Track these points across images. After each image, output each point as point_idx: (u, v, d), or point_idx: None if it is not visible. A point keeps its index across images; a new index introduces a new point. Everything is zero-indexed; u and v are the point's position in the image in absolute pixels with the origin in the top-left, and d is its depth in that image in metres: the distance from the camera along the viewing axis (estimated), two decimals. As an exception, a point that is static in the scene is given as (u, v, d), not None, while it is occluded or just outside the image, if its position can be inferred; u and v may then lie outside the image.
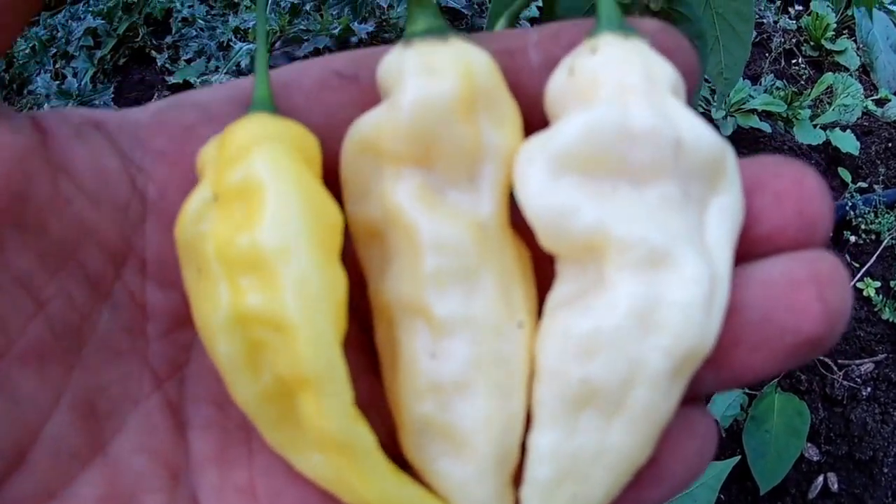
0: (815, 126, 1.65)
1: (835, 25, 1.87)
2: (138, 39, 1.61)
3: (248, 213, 0.21)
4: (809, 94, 1.71)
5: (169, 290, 0.24)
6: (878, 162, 1.64)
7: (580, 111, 0.22)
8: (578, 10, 0.45)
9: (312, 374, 0.20)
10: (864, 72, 1.86)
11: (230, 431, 0.24)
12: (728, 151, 0.23)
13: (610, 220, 0.22)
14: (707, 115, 1.59)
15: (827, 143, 1.62)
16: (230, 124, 0.23)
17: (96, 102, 1.44)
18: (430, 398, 0.23)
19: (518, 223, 0.24)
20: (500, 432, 0.23)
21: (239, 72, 1.47)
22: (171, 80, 1.52)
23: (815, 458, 1.23)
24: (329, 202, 0.22)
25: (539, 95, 0.24)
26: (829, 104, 1.71)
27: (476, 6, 1.58)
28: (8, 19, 0.21)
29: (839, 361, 1.32)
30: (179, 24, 1.60)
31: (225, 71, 1.47)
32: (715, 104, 1.57)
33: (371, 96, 0.25)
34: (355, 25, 1.50)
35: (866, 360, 1.33)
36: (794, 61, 1.85)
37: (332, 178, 0.24)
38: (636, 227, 0.21)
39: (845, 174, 1.59)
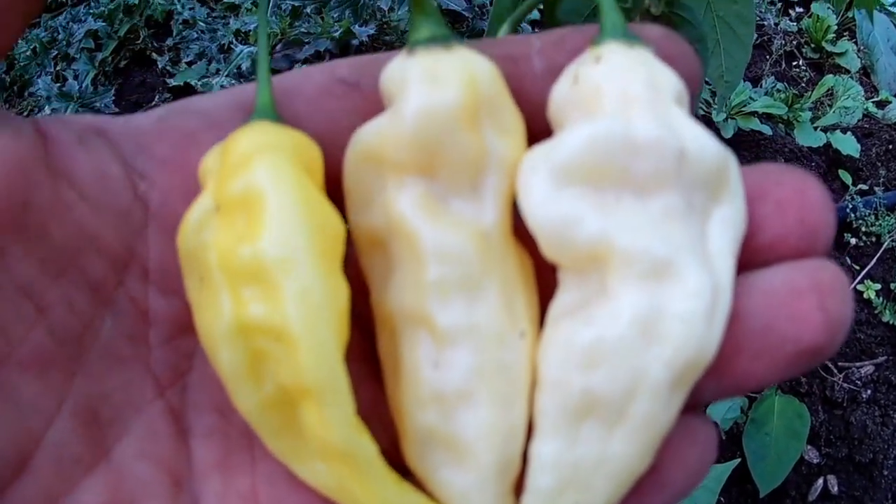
0: (815, 128, 1.65)
1: (835, 27, 1.87)
2: (139, 42, 1.61)
3: (250, 224, 0.21)
4: (810, 97, 1.71)
5: (171, 296, 0.24)
6: (879, 164, 1.64)
7: (584, 122, 0.22)
8: (579, 14, 0.45)
9: (314, 384, 0.20)
10: (865, 74, 1.86)
11: (233, 439, 0.25)
12: (731, 161, 0.23)
13: (613, 230, 0.22)
14: (707, 118, 1.59)
15: (827, 145, 1.62)
16: (232, 132, 0.23)
17: (97, 105, 1.44)
18: (432, 408, 0.23)
19: (520, 231, 0.24)
20: (502, 441, 0.23)
21: (240, 74, 1.47)
22: (172, 82, 1.52)
23: (815, 461, 1.22)
24: (331, 212, 0.22)
25: (542, 102, 0.24)
26: (830, 106, 1.71)
27: (477, 9, 1.57)
28: (9, 19, 0.21)
29: (839, 364, 1.32)
30: (180, 27, 1.60)
31: (226, 73, 1.47)
32: (715, 107, 1.57)
33: (374, 103, 0.24)
34: (356, 28, 1.49)
35: (866, 363, 1.33)
36: (794, 63, 1.85)
37: (334, 186, 0.24)
38: (639, 238, 0.22)
39: (846, 176, 1.59)
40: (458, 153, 0.23)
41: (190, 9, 1.61)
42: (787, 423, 1.20)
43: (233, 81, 1.45)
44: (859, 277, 1.43)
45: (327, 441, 0.21)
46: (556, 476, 0.22)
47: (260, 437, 0.23)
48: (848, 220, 1.50)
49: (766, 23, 1.88)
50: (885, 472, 1.21)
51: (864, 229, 1.49)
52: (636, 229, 0.22)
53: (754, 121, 1.60)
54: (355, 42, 1.53)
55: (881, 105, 1.77)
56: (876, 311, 1.39)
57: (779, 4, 1.95)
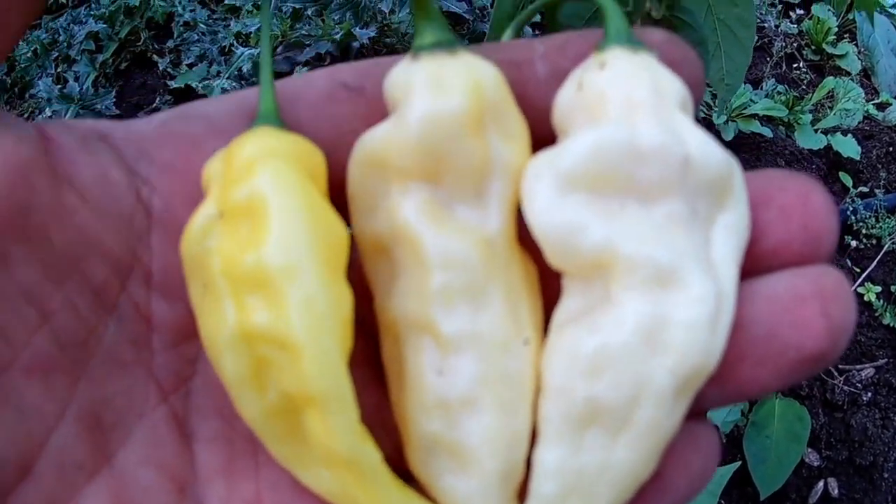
0: (816, 131, 1.65)
1: (836, 29, 1.87)
2: (140, 43, 1.61)
3: (254, 231, 0.21)
4: (811, 99, 1.71)
5: (174, 302, 0.24)
6: (880, 166, 1.64)
7: (588, 128, 0.22)
8: (581, 18, 0.45)
9: (319, 392, 0.20)
10: (866, 76, 1.86)
11: (236, 444, 0.25)
12: (735, 168, 0.23)
13: (618, 238, 0.22)
14: (708, 120, 1.59)
15: (828, 147, 1.62)
16: (235, 138, 0.23)
17: (98, 107, 1.44)
18: (437, 415, 0.23)
19: (524, 238, 0.24)
20: (506, 448, 0.23)
21: (241, 77, 1.47)
22: (173, 84, 1.52)
23: (815, 464, 1.22)
24: (334, 220, 0.22)
25: (545, 107, 0.24)
26: (831, 108, 1.71)
27: (478, 11, 1.57)
28: (10, 19, 0.21)
29: (840, 366, 1.32)
30: (181, 29, 1.60)
31: (227, 76, 1.46)
32: (716, 109, 1.57)
33: (377, 109, 0.24)
34: (357, 31, 1.49)
35: (867, 366, 1.33)
36: (795, 65, 1.85)
37: (337, 191, 0.24)
38: (644, 245, 0.22)
39: (846, 179, 1.59)
40: (463, 160, 0.23)
41: (191, 11, 1.61)
42: (787, 426, 1.20)
43: (234, 84, 1.45)
44: (860, 280, 1.43)
45: (331, 448, 0.21)
46: (560, 483, 0.22)
47: (263, 444, 0.23)
48: (848, 222, 1.50)
49: (766, 25, 1.88)
50: (886, 475, 1.21)
51: (864, 232, 1.49)
52: (640, 237, 0.22)
53: (755, 123, 1.60)
54: (356, 44, 1.53)
55: (882, 107, 1.77)
56: (876, 314, 1.39)
57: (779, 6, 1.95)
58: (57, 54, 1.57)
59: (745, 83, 1.67)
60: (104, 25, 1.57)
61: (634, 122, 0.22)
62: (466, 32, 1.55)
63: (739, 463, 1.13)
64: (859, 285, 1.42)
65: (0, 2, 0.21)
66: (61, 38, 1.57)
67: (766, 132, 1.60)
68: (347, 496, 0.22)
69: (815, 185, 0.24)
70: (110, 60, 1.58)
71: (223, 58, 1.53)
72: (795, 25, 1.92)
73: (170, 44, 1.60)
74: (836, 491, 1.20)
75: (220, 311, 0.22)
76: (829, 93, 1.73)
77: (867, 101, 1.75)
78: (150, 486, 0.23)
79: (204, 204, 0.23)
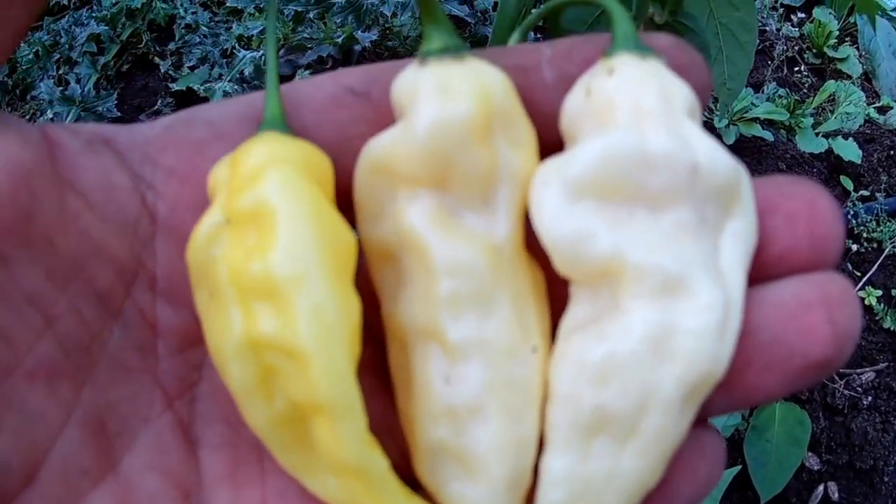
0: (817, 134, 1.65)
1: (837, 33, 1.87)
2: (141, 46, 1.61)
3: (261, 239, 0.21)
4: (812, 103, 1.71)
5: (179, 308, 0.24)
6: (881, 170, 1.64)
7: (597, 135, 0.22)
8: (583, 22, 0.45)
9: (327, 401, 0.20)
10: (867, 79, 1.86)
11: (242, 451, 0.24)
12: (743, 174, 0.23)
13: (626, 246, 0.22)
14: (709, 124, 1.59)
15: (829, 151, 1.62)
16: (240, 143, 0.23)
17: (99, 109, 1.44)
18: (444, 422, 0.23)
19: (531, 244, 0.24)
20: (513, 455, 0.23)
21: (242, 80, 1.47)
22: (175, 87, 1.52)
23: (815, 468, 1.22)
24: (342, 227, 0.22)
25: (552, 113, 0.24)
26: (832, 112, 1.71)
27: (480, 14, 1.58)
28: (13, 13, 0.21)
29: (840, 370, 1.32)
30: (183, 31, 1.60)
31: (228, 79, 1.46)
32: (717, 113, 1.57)
33: (384, 113, 0.24)
34: (359, 34, 1.49)
35: (867, 369, 1.33)
36: (796, 69, 1.85)
37: (343, 196, 0.24)
38: (652, 253, 0.22)
39: (847, 182, 1.59)
40: (471, 167, 0.23)
41: (193, 13, 1.61)
42: (787, 430, 1.20)
43: (235, 87, 1.45)
44: (860, 284, 1.43)
45: (339, 456, 0.21)
46: (567, 490, 0.22)
47: (270, 452, 0.23)
48: (849, 226, 1.50)
49: (767, 28, 1.88)
50: (886, 479, 1.21)
51: (865, 235, 1.49)
52: (649, 244, 0.22)
53: (756, 127, 1.61)
54: (358, 48, 1.53)
55: (883, 111, 1.77)
56: (877, 318, 1.39)
57: (780, 10, 1.95)
58: (58, 56, 1.57)
59: (746, 87, 1.67)
60: (106, 27, 1.57)
61: (643, 130, 0.22)
62: (468, 36, 1.55)
63: (740, 467, 1.13)
64: (860, 289, 1.42)
65: None
66: (63, 40, 1.57)
67: (768, 136, 1.60)
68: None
69: (821, 192, 0.24)
70: (112, 62, 1.58)
71: (225, 60, 1.53)
72: (797, 29, 1.92)
73: (171, 46, 1.60)
74: (837, 495, 1.20)
75: (226, 319, 0.22)
76: (830, 96, 1.73)
77: (868, 104, 1.75)
78: (155, 492, 0.23)
79: (210, 210, 0.23)
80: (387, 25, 1.55)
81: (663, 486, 0.23)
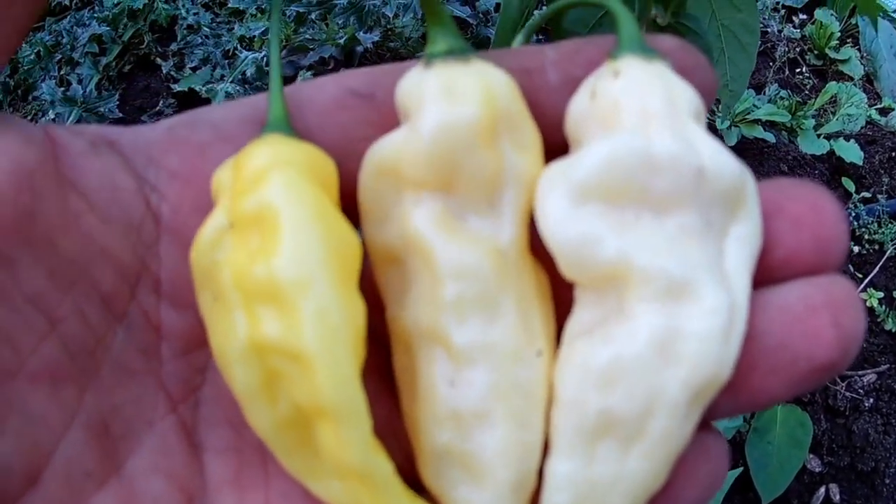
0: (818, 136, 1.65)
1: (838, 34, 1.87)
2: (143, 46, 1.61)
3: (265, 242, 0.21)
4: (813, 104, 1.71)
5: (184, 310, 0.24)
6: (882, 171, 1.64)
7: (602, 138, 0.22)
8: (585, 24, 0.45)
9: (331, 405, 0.20)
10: (868, 81, 1.86)
11: (246, 454, 0.24)
12: (748, 178, 0.23)
13: (632, 250, 0.22)
14: (711, 126, 1.58)
15: (831, 152, 1.62)
16: (244, 145, 0.23)
17: (101, 110, 1.44)
18: (449, 426, 0.23)
19: (536, 247, 0.24)
20: (518, 459, 0.23)
21: (244, 81, 1.47)
22: (177, 87, 1.52)
23: (817, 470, 1.22)
24: (347, 230, 0.22)
25: (557, 115, 0.24)
26: (833, 114, 1.71)
27: (482, 16, 1.57)
28: (14, 12, 0.21)
29: (842, 372, 1.32)
30: (184, 32, 1.60)
31: (230, 80, 1.46)
32: (719, 114, 1.57)
33: (388, 116, 0.24)
34: (361, 35, 1.49)
35: (869, 371, 1.33)
36: (798, 70, 1.85)
37: (348, 199, 0.24)
38: (657, 257, 0.22)
39: (849, 184, 1.59)
40: (476, 170, 0.23)
41: (194, 14, 1.61)
42: (789, 432, 1.20)
43: (237, 88, 1.45)
44: (862, 286, 1.43)
45: (343, 460, 0.21)
46: (572, 494, 0.22)
47: (274, 455, 0.23)
48: (851, 227, 1.50)
49: (769, 30, 1.88)
50: (887, 481, 1.21)
51: (866, 237, 1.49)
52: (654, 248, 0.22)
53: (758, 128, 1.61)
54: (360, 49, 1.53)
55: (884, 112, 1.77)
56: (879, 320, 1.39)
57: (782, 11, 1.95)
58: (60, 57, 1.56)
59: (747, 88, 1.67)
60: (107, 28, 1.56)
61: (648, 133, 0.22)
62: (470, 37, 1.55)
63: (741, 469, 1.13)
64: (861, 291, 1.42)
65: None
66: (64, 41, 1.57)
67: (769, 137, 1.60)
68: (359, 508, 0.22)
69: (825, 195, 0.24)
70: (113, 63, 1.58)
71: (227, 61, 1.53)
72: (798, 30, 1.91)
73: (173, 47, 1.60)
74: (838, 497, 1.20)
75: (230, 323, 0.22)
76: (831, 98, 1.73)
77: (870, 106, 1.75)
78: (159, 496, 0.23)
79: (214, 214, 0.23)
80: (389, 27, 1.55)
81: (667, 490, 0.23)
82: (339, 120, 0.25)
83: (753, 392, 0.23)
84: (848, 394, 1.29)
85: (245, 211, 0.22)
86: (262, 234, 0.21)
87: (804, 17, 1.97)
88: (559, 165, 0.23)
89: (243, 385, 0.22)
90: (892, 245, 1.48)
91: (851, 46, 1.89)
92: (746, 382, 0.23)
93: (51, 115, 1.42)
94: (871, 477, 1.22)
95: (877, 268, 1.46)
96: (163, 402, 0.24)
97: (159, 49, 1.62)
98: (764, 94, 1.72)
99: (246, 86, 1.46)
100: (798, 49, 1.88)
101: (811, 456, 1.23)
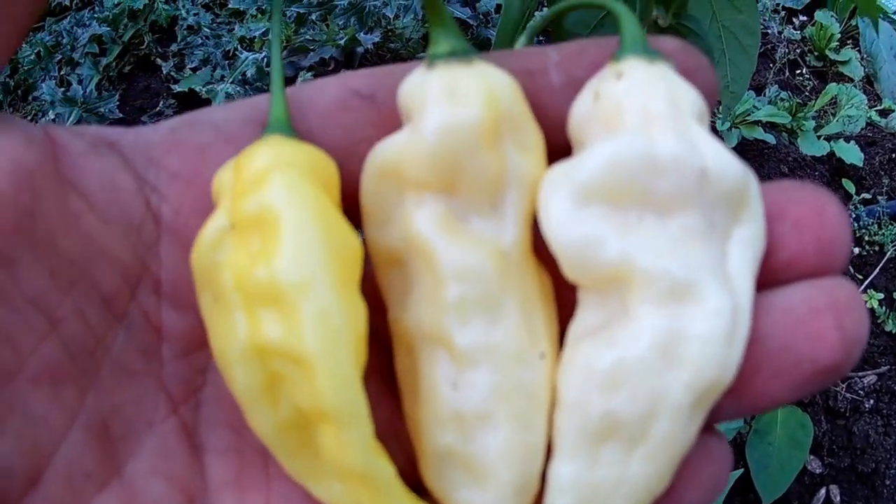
0: (819, 137, 1.65)
1: (839, 35, 1.87)
2: (143, 47, 1.61)
3: (266, 244, 0.21)
4: (814, 105, 1.71)
5: (184, 311, 0.24)
6: (882, 173, 1.64)
7: (605, 140, 0.22)
8: (586, 25, 0.45)
9: (332, 408, 0.20)
10: (869, 82, 1.86)
11: (247, 456, 0.24)
12: (751, 179, 0.23)
13: (635, 252, 0.22)
14: (712, 127, 1.58)
15: (831, 154, 1.62)
16: (245, 146, 0.23)
17: (101, 110, 1.44)
18: (451, 428, 0.23)
19: (538, 248, 0.24)
20: (521, 462, 0.23)
21: (245, 81, 1.47)
22: (177, 88, 1.52)
23: (817, 471, 1.22)
24: (348, 232, 0.22)
25: (560, 116, 0.24)
26: (834, 115, 1.71)
27: (482, 17, 1.58)
28: (16, 11, 0.21)
29: (845, 374, 1.32)
30: (185, 32, 1.60)
31: (231, 80, 1.46)
32: (720, 116, 1.57)
33: (390, 117, 0.24)
34: (361, 36, 1.49)
35: (869, 373, 1.33)
36: (798, 72, 1.85)
37: (349, 200, 0.24)
38: (661, 259, 0.21)
39: (849, 185, 1.59)
40: (479, 171, 0.22)
41: (195, 14, 1.61)
42: (789, 433, 1.19)
43: (238, 88, 1.45)
44: (862, 287, 1.43)
45: (345, 463, 0.21)
46: (575, 497, 0.22)
47: (276, 457, 0.23)
48: (851, 229, 1.49)
49: (769, 31, 1.88)
50: (888, 482, 1.21)
51: (867, 238, 1.49)
52: (657, 250, 0.22)
53: (758, 130, 1.61)
54: (360, 49, 1.53)
55: (884, 114, 1.77)
56: (879, 321, 1.39)
57: (782, 13, 1.95)
58: (60, 57, 1.56)
59: (748, 89, 1.67)
60: (108, 28, 1.57)
61: (652, 134, 0.22)
62: (471, 38, 1.55)
63: (742, 470, 1.13)
64: (862, 292, 1.42)
65: None
66: (65, 41, 1.57)
67: (770, 139, 1.60)
68: (361, 510, 0.22)
69: (829, 198, 0.24)
70: (114, 64, 1.58)
71: (227, 62, 1.53)
72: (798, 31, 1.92)
73: (173, 47, 1.60)
74: (839, 498, 1.20)
75: (231, 325, 0.21)
76: (831, 99, 1.73)
77: (870, 107, 1.75)
78: (159, 497, 0.23)
79: (214, 215, 0.23)
80: (389, 27, 1.55)
81: (670, 493, 0.23)
82: (340, 121, 0.25)
83: (757, 395, 0.23)
84: (848, 395, 1.29)
85: (246, 212, 0.22)
86: (263, 235, 0.21)
87: (804, 18, 1.97)
88: (562, 167, 0.23)
89: (244, 387, 0.22)
90: (893, 246, 1.48)
91: (852, 48, 1.90)
92: (750, 385, 0.23)
93: (51, 115, 1.42)
94: (871, 478, 1.22)
95: (877, 269, 1.46)
96: (163, 403, 0.24)
97: (159, 49, 1.62)
98: (764, 95, 1.72)
99: (246, 86, 1.46)
100: (798, 50, 1.88)
101: (811, 457, 1.23)
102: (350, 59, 1.54)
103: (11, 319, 0.21)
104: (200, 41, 1.57)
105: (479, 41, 1.54)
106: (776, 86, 1.76)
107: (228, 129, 0.25)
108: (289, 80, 1.42)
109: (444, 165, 0.22)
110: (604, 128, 0.22)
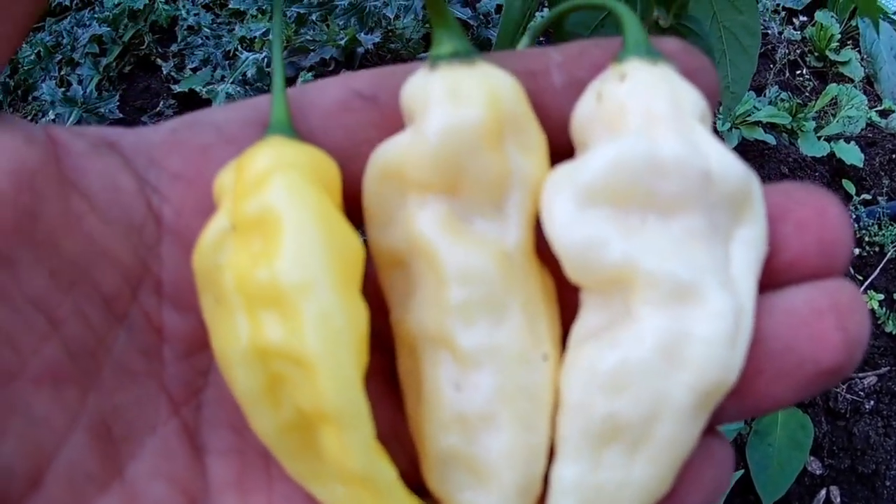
0: (819, 138, 1.65)
1: (839, 36, 1.87)
2: (144, 47, 1.61)
3: (267, 246, 0.21)
4: (814, 106, 1.71)
5: (186, 313, 0.24)
6: (882, 174, 1.64)
7: (608, 141, 0.22)
8: (587, 26, 0.45)
9: (334, 410, 0.20)
10: (869, 83, 1.86)
11: (249, 457, 0.24)
12: (754, 181, 0.23)
13: (638, 254, 0.22)
14: (712, 128, 1.58)
15: (831, 154, 1.62)
16: (247, 147, 0.23)
17: (101, 110, 1.44)
18: (455, 430, 0.23)
19: (541, 250, 0.24)
20: (524, 464, 0.22)
21: (245, 82, 1.47)
22: (177, 88, 1.52)
23: (817, 472, 1.22)
24: (350, 233, 0.22)
25: (562, 117, 0.24)
26: (834, 116, 1.71)
27: (482, 17, 1.57)
28: (17, 10, 0.21)
29: (847, 376, 1.32)
30: (185, 33, 1.60)
31: (231, 81, 1.46)
32: (720, 116, 1.57)
33: (392, 118, 0.24)
34: (362, 36, 1.49)
35: (869, 374, 1.33)
36: (798, 72, 1.85)
37: (351, 201, 0.24)
38: (664, 261, 0.21)
39: (849, 186, 1.59)
40: (482, 172, 0.22)
41: (195, 15, 1.61)
42: (790, 434, 1.19)
43: (238, 89, 1.45)
44: (862, 288, 1.43)
45: (346, 465, 0.21)
46: (578, 499, 0.22)
47: (277, 459, 0.23)
48: (852, 230, 1.49)
49: (769, 32, 1.88)
50: (888, 483, 1.21)
51: (867, 239, 1.49)
52: (661, 252, 0.22)
53: (758, 130, 1.61)
54: (361, 50, 1.53)
55: (885, 114, 1.77)
56: (879, 322, 1.39)
57: (782, 13, 1.95)
58: (60, 57, 1.56)
59: (748, 90, 1.67)
60: (108, 29, 1.56)
61: (655, 136, 0.22)
62: (471, 39, 1.55)
63: (742, 471, 1.13)
64: (862, 293, 1.42)
65: None
66: (65, 41, 1.57)
67: (770, 139, 1.60)
68: (362, 512, 0.22)
69: (831, 200, 0.24)
70: (114, 64, 1.57)
71: (227, 62, 1.53)
72: (798, 32, 1.92)
73: (173, 48, 1.60)
74: (839, 499, 1.20)
75: (232, 327, 0.21)
76: (832, 100, 1.73)
77: (870, 108, 1.75)
78: (161, 499, 0.23)
79: (216, 217, 0.23)
80: (389, 28, 1.55)
81: (672, 495, 0.23)
82: (342, 122, 0.25)
83: (759, 396, 0.23)
84: (849, 396, 1.29)
85: (247, 214, 0.22)
86: (264, 237, 0.21)
87: (804, 18, 1.97)
88: (565, 168, 0.23)
89: (245, 389, 0.22)
90: (893, 247, 1.48)
91: (852, 48, 1.90)
92: (752, 387, 0.23)
93: (51, 115, 1.42)
94: (871, 479, 1.22)
95: (877, 270, 1.46)
96: (165, 404, 0.24)
97: (160, 50, 1.62)
98: (764, 96, 1.72)
99: (246, 87, 1.46)
100: (798, 51, 1.88)
101: (812, 458, 1.23)
102: (350, 59, 1.54)
103: (12, 320, 0.21)
104: (201, 41, 1.57)
105: (479, 42, 1.54)
106: (776, 86, 1.76)
107: (230, 130, 0.25)
108: (289, 81, 1.42)
109: (446, 167, 0.22)
110: (607, 129, 0.22)
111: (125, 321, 0.23)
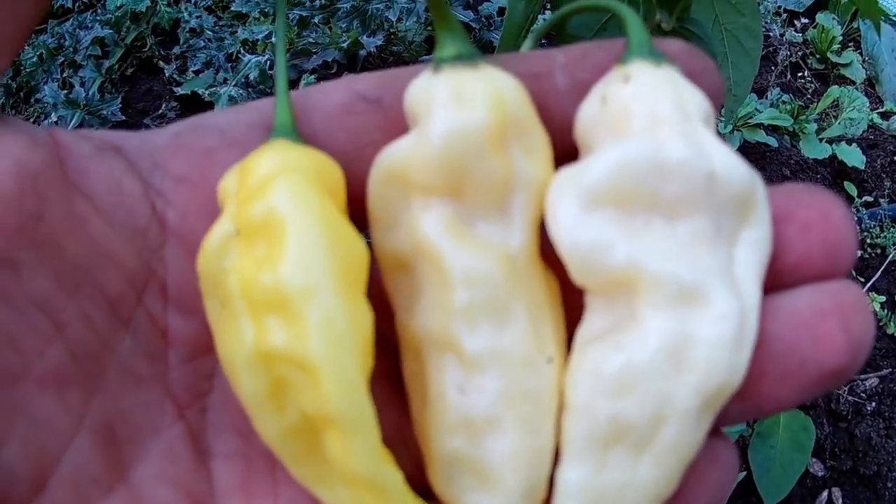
0: (820, 140, 1.65)
1: (840, 38, 1.87)
2: (146, 49, 1.61)
3: (271, 250, 0.21)
4: (815, 108, 1.71)
5: (190, 316, 0.24)
6: (884, 175, 1.64)
7: (613, 144, 0.22)
8: (590, 28, 0.45)
9: (338, 414, 0.20)
10: (870, 85, 1.86)
11: (254, 461, 0.24)
12: (758, 183, 0.23)
13: (643, 256, 0.22)
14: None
15: (833, 156, 1.62)
16: (250, 150, 0.23)
17: (104, 112, 1.44)
18: (460, 433, 0.23)
19: (545, 252, 0.24)
20: (529, 466, 0.22)
21: (248, 84, 1.47)
22: (179, 90, 1.52)
23: (819, 473, 1.22)
24: (354, 237, 0.22)
25: (565, 119, 0.24)
26: (835, 117, 1.71)
27: (485, 20, 1.58)
28: (20, 9, 0.21)
29: (850, 378, 1.32)
30: (187, 35, 1.60)
31: (234, 83, 1.46)
32: (722, 119, 1.57)
33: (396, 121, 0.24)
34: (364, 39, 1.49)
35: (871, 375, 1.33)
36: (799, 74, 1.85)
37: (355, 204, 0.24)
38: (668, 263, 0.21)
39: (851, 188, 1.59)
40: (486, 175, 0.22)
41: (197, 17, 1.61)
42: (792, 436, 1.19)
43: (240, 91, 1.45)
44: (864, 289, 1.43)
45: (351, 469, 0.21)
46: (583, 501, 0.22)
47: (282, 463, 0.23)
48: (856, 232, 1.49)
49: (771, 34, 1.88)
50: (890, 485, 1.21)
51: (868, 241, 1.49)
52: (665, 254, 0.22)
53: (760, 132, 1.60)
54: (363, 52, 1.53)
55: (886, 116, 1.77)
56: (881, 324, 1.39)
57: (784, 15, 1.95)
58: (63, 59, 1.56)
59: (750, 92, 1.67)
60: (110, 31, 1.57)
61: (659, 138, 0.22)
62: (473, 41, 1.54)
63: (744, 473, 1.13)
64: (864, 295, 1.42)
65: None
66: (67, 44, 1.57)
67: (772, 141, 1.60)
68: (368, 516, 0.22)
69: (835, 201, 0.24)
70: (116, 66, 1.58)
71: (230, 65, 1.53)
72: (800, 34, 1.92)
73: (176, 50, 1.60)
74: (841, 501, 1.20)
75: (237, 331, 0.21)
76: (833, 102, 1.73)
77: (872, 110, 1.75)
78: (166, 503, 0.23)
79: (220, 220, 0.23)
80: (392, 30, 1.55)
81: (677, 497, 0.23)
82: (346, 125, 0.25)
83: (763, 398, 0.23)
84: (850, 398, 1.29)
85: (251, 218, 0.22)
86: (268, 241, 0.21)
87: (806, 21, 1.97)
88: (570, 171, 0.23)
89: (250, 393, 0.22)
90: (895, 249, 1.48)
91: (853, 50, 1.89)
92: (756, 388, 0.23)
93: (53, 117, 1.42)
94: (873, 481, 1.21)
95: (879, 272, 1.46)
96: (170, 407, 0.24)
97: (162, 52, 1.62)
98: (766, 98, 1.72)
99: (249, 89, 1.46)
100: (800, 53, 1.88)
101: (814, 460, 1.23)
102: (353, 61, 1.54)
103: (16, 322, 0.21)
104: (203, 44, 1.57)
105: (481, 44, 1.54)
106: (778, 88, 1.76)
107: (233, 133, 0.25)
108: (292, 83, 1.42)
109: (450, 170, 0.22)
110: (611, 131, 0.22)
111: (129, 324, 0.23)
